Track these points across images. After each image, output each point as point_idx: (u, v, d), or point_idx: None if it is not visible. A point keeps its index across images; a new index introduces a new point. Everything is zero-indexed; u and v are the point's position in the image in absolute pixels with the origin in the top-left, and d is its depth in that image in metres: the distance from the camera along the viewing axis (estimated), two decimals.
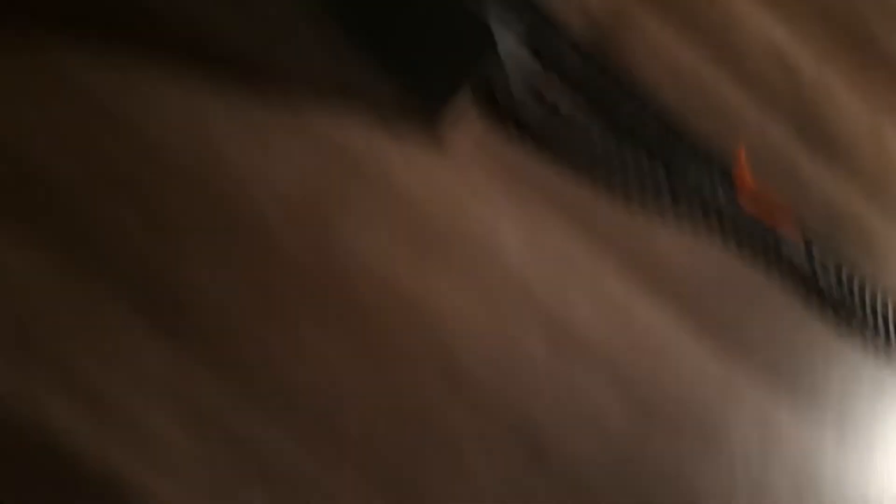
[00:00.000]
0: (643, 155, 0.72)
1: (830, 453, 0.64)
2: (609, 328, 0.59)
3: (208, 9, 0.56)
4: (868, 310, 0.73)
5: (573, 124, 0.69)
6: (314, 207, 0.53)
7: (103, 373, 0.47)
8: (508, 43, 0.54)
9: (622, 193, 0.63)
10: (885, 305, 0.72)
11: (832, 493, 0.62)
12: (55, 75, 0.50)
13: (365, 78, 0.60)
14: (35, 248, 0.46)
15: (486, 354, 0.54)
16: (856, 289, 0.74)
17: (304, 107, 0.57)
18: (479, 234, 0.57)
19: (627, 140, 0.75)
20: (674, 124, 0.74)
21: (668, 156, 0.71)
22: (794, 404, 0.63)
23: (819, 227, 0.75)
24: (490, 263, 0.56)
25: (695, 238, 0.69)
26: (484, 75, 0.52)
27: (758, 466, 0.60)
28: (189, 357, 0.48)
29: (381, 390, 0.51)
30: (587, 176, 0.64)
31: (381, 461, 0.50)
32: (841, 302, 0.72)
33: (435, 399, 0.52)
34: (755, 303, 0.69)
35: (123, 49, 0.52)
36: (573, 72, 0.68)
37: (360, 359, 0.50)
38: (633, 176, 0.68)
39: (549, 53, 0.66)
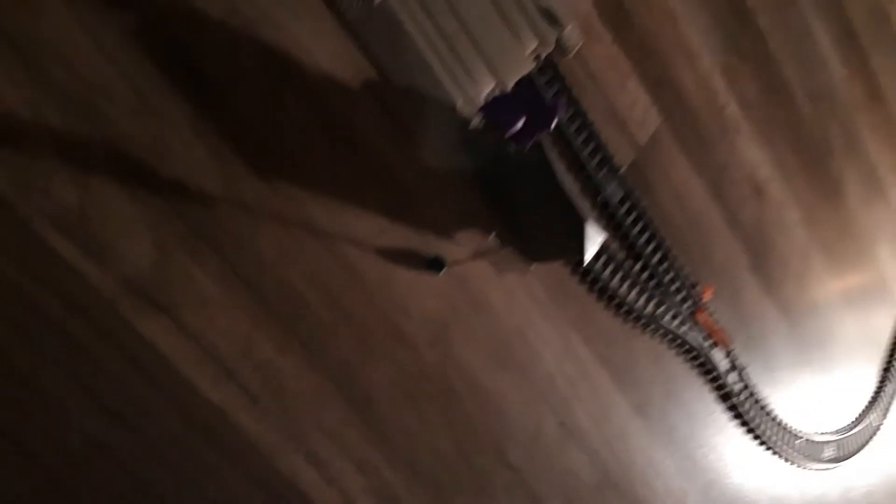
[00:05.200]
0: (643, 271, 1.16)
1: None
2: (591, 417, 1.05)
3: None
4: (757, 412, 1.34)
5: (620, 274, 1.10)
6: (443, 329, 0.80)
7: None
8: (594, 233, 0.82)
9: (619, 306, 1.11)
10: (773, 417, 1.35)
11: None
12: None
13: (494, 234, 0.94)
14: None
15: (522, 429, 0.90)
16: (752, 392, 1.34)
17: (445, 250, 0.90)
18: (535, 348, 0.88)
19: (635, 259, 1.16)
20: (667, 248, 1.19)
21: (657, 272, 1.14)
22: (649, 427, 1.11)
23: (739, 347, 1.28)
24: (536, 367, 0.89)
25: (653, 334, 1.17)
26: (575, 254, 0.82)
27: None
28: (368, 428, 0.83)
29: (454, 446, 0.90)
30: (610, 300, 1.09)
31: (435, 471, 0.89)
32: (741, 403, 1.30)
33: (487, 450, 0.92)
34: (671, 380, 1.18)
35: None
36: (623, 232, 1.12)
37: (449, 424, 0.87)
38: (634, 290, 1.12)
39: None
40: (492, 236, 0.91)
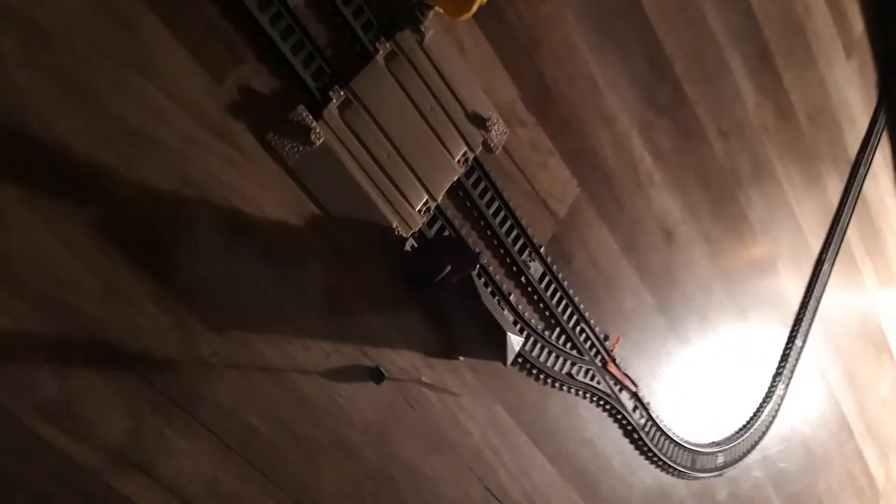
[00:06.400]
0: (559, 337, 1.32)
1: None
2: (512, 476, 1.23)
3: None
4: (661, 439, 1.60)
5: (539, 345, 1.30)
6: (383, 430, 0.94)
7: None
8: (515, 342, 0.99)
9: (538, 372, 1.28)
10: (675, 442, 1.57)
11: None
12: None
13: (426, 338, 1.10)
14: None
15: (452, 500, 1.06)
16: (655, 424, 1.59)
17: (387, 359, 1.05)
18: (465, 427, 1.05)
19: (552, 328, 1.36)
20: (581, 311, 1.39)
21: (572, 335, 1.22)
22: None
23: (646, 383, 1.51)
24: (466, 443, 1.06)
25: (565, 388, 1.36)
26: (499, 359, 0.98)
27: None
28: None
29: None
30: (531, 370, 1.27)
31: None
32: (645, 435, 1.53)
33: None
34: (582, 427, 1.40)
35: None
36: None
37: None
38: (551, 356, 1.19)
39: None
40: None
